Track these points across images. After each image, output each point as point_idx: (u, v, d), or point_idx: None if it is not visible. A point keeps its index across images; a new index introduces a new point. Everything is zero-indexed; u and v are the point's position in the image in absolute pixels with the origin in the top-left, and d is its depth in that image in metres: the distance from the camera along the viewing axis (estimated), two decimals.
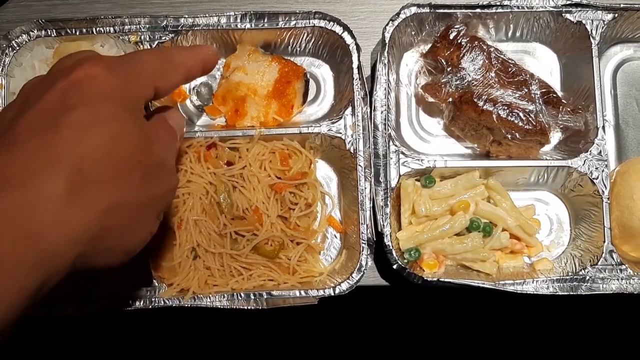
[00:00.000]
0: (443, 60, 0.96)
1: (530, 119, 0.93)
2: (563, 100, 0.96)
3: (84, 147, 0.46)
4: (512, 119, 0.93)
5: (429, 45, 1.00)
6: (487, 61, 0.96)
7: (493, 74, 0.95)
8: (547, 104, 0.94)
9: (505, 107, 0.93)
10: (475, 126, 0.96)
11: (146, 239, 0.55)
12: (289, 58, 1.02)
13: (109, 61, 0.52)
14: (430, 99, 1.00)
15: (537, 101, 0.94)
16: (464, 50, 0.96)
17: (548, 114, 0.94)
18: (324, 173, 1.01)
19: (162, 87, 0.58)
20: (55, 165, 0.44)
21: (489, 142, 0.97)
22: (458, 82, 0.95)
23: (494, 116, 0.93)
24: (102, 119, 0.47)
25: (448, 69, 0.95)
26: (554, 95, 0.96)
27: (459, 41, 0.96)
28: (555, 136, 1.01)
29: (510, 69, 0.96)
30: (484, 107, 0.93)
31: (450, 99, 0.97)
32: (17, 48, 0.96)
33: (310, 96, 1.03)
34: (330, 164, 1.01)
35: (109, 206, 0.47)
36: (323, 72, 1.04)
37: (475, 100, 0.94)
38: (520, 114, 0.93)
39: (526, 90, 0.95)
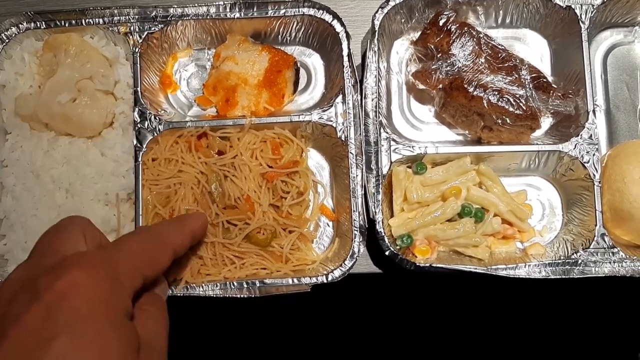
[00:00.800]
0: (433, 47, 0.96)
1: (520, 104, 0.93)
2: (553, 85, 0.96)
3: None
4: (502, 105, 0.93)
5: (419, 33, 1.00)
6: (477, 47, 0.96)
7: (483, 60, 0.95)
8: (537, 89, 0.94)
9: (496, 93, 0.93)
10: (466, 112, 0.96)
11: None
12: (279, 47, 1.02)
13: (93, 262, 0.49)
14: (421, 86, 1.00)
15: (527, 86, 0.94)
16: (454, 37, 0.96)
17: (538, 99, 0.94)
18: (316, 162, 1.01)
19: (151, 276, 0.58)
20: None
21: (480, 128, 0.97)
22: (448, 68, 0.95)
23: (485, 102, 0.93)
24: (88, 347, 0.44)
25: (438, 56, 0.95)
26: (544, 80, 0.96)
27: (449, 27, 0.96)
28: (546, 121, 1.01)
29: (500, 55, 0.96)
30: (474, 93, 0.93)
31: (441, 86, 0.97)
32: (7, 41, 0.96)
33: (301, 85, 1.03)
34: (322, 152, 1.01)
35: None
36: (314, 60, 1.04)
37: (466, 86, 0.94)
38: (511, 99, 0.93)
39: (516, 75, 0.95)
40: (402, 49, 1.04)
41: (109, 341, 0.46)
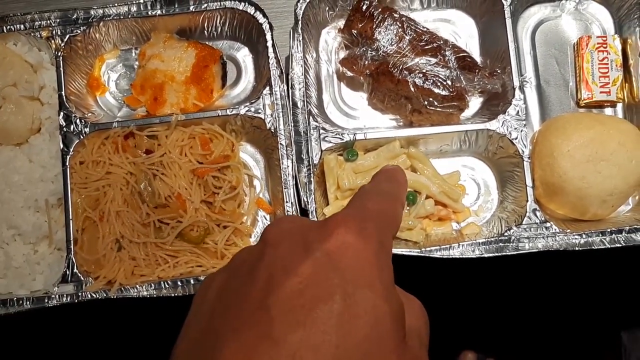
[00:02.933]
0: (357, 33, 0.96)
1: (446, 84, 0.93)
2: (479, 64, 0.96)
3: (342, 350, 0.39)
4: (428, 87, 0.93)
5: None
6: (400, 31, 0.95)
7: (407, 44, 0.95)
8: (462, 69, 0.94)
9: (421, 75, 0.93)
10: (394, 97, 0.96)
11: None
12: (207, 43, 1.01)
13: (361, 224, 0.45)
14: (350, 74, 0.99)
15: (452, 67, 0.94)
16: (377, 22, 0.95)
17: (464, 79, 0.94)
18: (251, 155, 1.01)
19: (394, 236, 0.53)
20: None
21: (409, 112, 0.97)
22: (373, 53, 0.94)
23: (410, 85, 0.93)
24: (360, 316, 0.40)
25: (363, 42, 0.95)
26: (469, 59, 0.96)
27: (372, 13, 0.96)
28: (477, 101, 1.01)
29: (423, 37, 0.96)
30: (400, 76, 0.93)
31: (368, 72, 0.96)
32: None
33: (231, 79, 1.03)
34: (255, 145, 1.01)
35: None
36: (242, 54, 1.04)
37: (391, 70, 0.94)
38: (436, 81, 0.93)
39: (441, 57, 0.95)
40: (330, 37, 1.04)
41: (382, 315, 0.42)
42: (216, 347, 0.37)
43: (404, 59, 0.94)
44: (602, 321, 2.01)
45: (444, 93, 0.93)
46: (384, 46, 0.95)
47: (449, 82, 0.93)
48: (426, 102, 0.93)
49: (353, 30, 0.96)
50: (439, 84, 0.93)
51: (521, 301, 1.79)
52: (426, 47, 0.95)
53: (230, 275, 0.43)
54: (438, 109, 0.94)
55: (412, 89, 0.93)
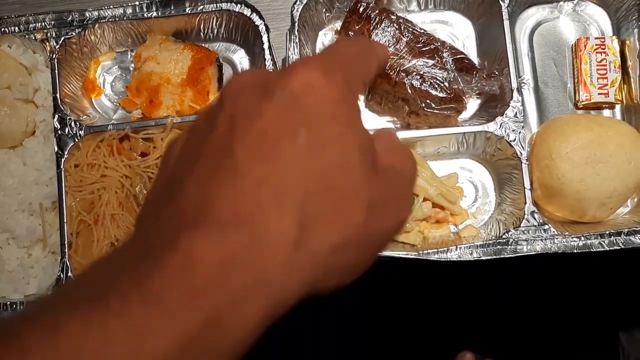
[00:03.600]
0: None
1: (443, 86, 0.93)
2: (477, 66, 0.96)
3: (308, 179, 0.38)
4: (425, 89, 0.92)
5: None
6: (397, 32, 0.95)
7: (404, 45, 0.94)
8: (460, 71, 0.94)
9: (418, 77, 0.93)
10: (391, 99, 0.96)
11: (361, 273, 0.47)
12: (203, 45, 1.01)
13: (323, 64, 0.43)
14: None
15: (449, 69, 0.94)
16: (374, 23, 0.95)
17: (462, 80, 0.93)
18: None
19: (365, 84, 0.51)
20: (282, 201, 0.37)
21: (407, 114, 0.96)
22: None
23: (408, 87, 0.92)
24: (326, 146, 0.40)
25: None
26: (467, 61, 0.95)
27: (369, 14, 0.95)
28: (475, 103, 1.01)
29: (421, 39, 0.95)
30: (397, 78, 0.93)
31: None
32: None
33: (227, 81, 1.02)
34: None
35: (333, 247, 0.40)
36: (239, 56, 1.03)
37: (388, 72, 0.93)
38: (434, 83, 0.92)
39: (438, 58, 0.94)
40: (327, 39, 1.03)
41: (349, 145, 0.41)
42: (178, 187, 0.36)
43: (401, 60, 0.93)
44: (600, 322, 2.01)
45: (441, 95, 0.92)
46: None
47: (447, 84, 0.93)
48: (423, 104, 0.93)
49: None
50: (436, 85, 0.92)
51: (519, 302, 1.79)
52: (423, 49, 0.94)
53: (192, 133, 0.41)
54: (435, 111, 0.94)
55: (410, 91, 0.92)
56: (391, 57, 0.93)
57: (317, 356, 1.60)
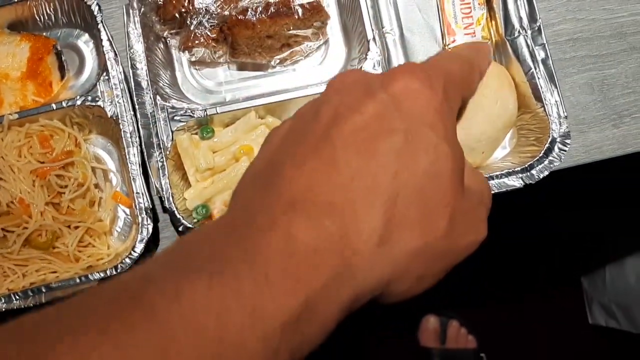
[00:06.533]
0: (177, 14, 0.89)
1: (292, 5, 0.87)
2: None
3: (400, 180, 0.40)
4: (283, 12, 0.87)
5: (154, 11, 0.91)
6: None
7: None
8: None
9: (265, 8, 0.87)
10: (257, 41, 0.89)
11: (430, 286, 0.47)
12: (43, 34, 0.94)
13: (426, 74, 0.44)
14: (199, 54, 0.92)
15: None
16: None
17: None
18: (104, 148, 0.94)
19: (466, 99, 0.53)
20: (372, 198, 0.38)
21: (279, 48, 0.91)
22: (206, 18, 0.88)
23: (267, 22, 0.87)
24: (420, 151, 0.41)
25: (190, 16, 0.88)
26: None
27: None
28: (341, 57, 0.96)
29: None
30: (252, 19, 0.87)
31: (214, 36, 0.90)
32: None
33: (74, 69, 0.95)
34: (106, 137, 0.94)
35: (414, 250, 0.41)
36: (83, 40, 0.97)
37: (240, 18, 0.87)
38: (280, 7, 0.87)
39: None
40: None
41: (444, 155, 0.42)
42: (278, 170, 0.39)
43: (239, 4, 0.87)
44: (563, 268, 2.00)
45: (298, 14, 0.87)
46: (211, 6, 0.88)
47: (296, 3, 0.88)
48: (290, 30, 0.87)
49: (174, 12, 0.89)
50: (285, 8, 0.87)
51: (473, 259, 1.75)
52: None
53: (295, 120, 0.44)
54: (306, 31, 0.89)
55: (271, 24, 0.87)
56: (227, 7, 0.87)
57: None
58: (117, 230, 0.92)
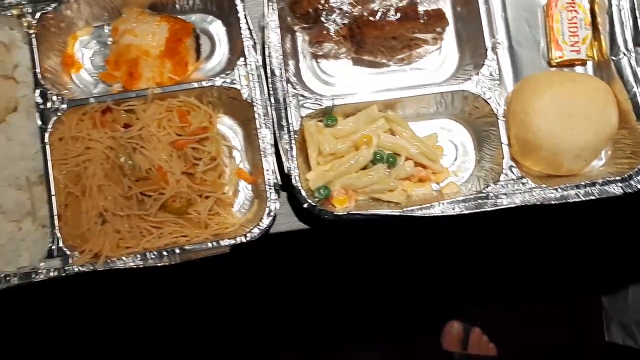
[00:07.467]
0: (312, 10, 0.96)
1: (418, 12, 0.95)
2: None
3: None
4: (409, 18, 0.95)
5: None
6: None
7: None
8: None
9: (394, 11, 0.95)
10: (382, 42, 0.97)
11: None
12: (179, 17, 1.01)
13: None
14: (326, 49, 1.00)
15: None
16: None
17: None
18: (229, 127, 1.02)
19: None
20: None
21: (400, 49, 0.99)
22: (339, 17, 0.95)
23: (394, 24, 0.95)
24: None
25: (324, 14, 0.95)
26: None
27: None
28: (452, 64, 1.03)
29: None
30: (382, 21, 0.95)
31: (342, 34, 0.97)
32: None
33: (205, 52, 1.03)
34: (233, 117, 1.01)
35: None
36: (216, 27, 1.04)
37: (371, 19, 0.95)
38: (408, 12, 0.95)
39: None
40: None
41: None
42: None
43: (370, 5, 0.95)
44: (584, 286, 2.06)
45: (423, 20, 0.96)
46: (343, 5, 0.95)
47: (421, 10, 0.96)
48: (415, 34, 0.95)
49: (308, 9, 0.96)
50: (413, 14, 0.95)
51: (503, 264, 1.82)
52: None
53: None
54: (427, 35, 0.97)
55: (398, 27, 0.95)
56: (360, 7, 0.95)
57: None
58: (238, 203, 0.99)
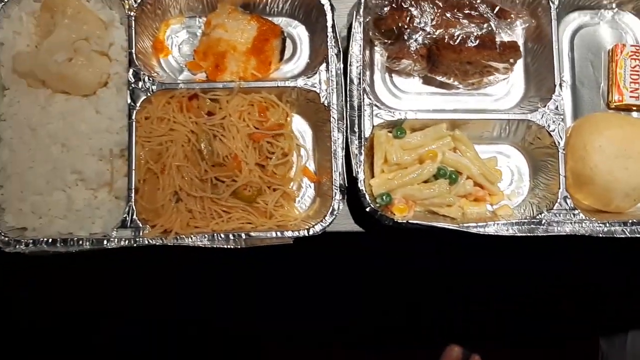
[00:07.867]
0: (395, 27, 1.02)
1: (496, 42, 1.01)
2: (511, 12, 1.05)
3: None
4: (486, 46, 1.01)
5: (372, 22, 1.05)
6: (434, 8, 1.02)
7: (447, 15, 1.02)
8: (499, 17, 1.03)
9: (474, 39, 1.01)
10: (457, 65, 1.03)
11: None
12: (267, 18, 1.07)
13: None
14: (402, 65, 1.05)
15: (492, 18, 1.02)
16: (408, 7, 1.02)
17: (504, 25, 1.03)
18: (300, 127, 1.07)
19: None
20: None
21: (472, 74, 1.04)
22: (421, 37, 1.01)
23: (472, 50, 1.00)
24: None
25: (407, 31, 1.01)
26: (500, 7, 1.04)
27: (399, 3, 1.02)
28: (517, 94, 1.09)
29: (453, 3, 1.03)
30: (460, 46, 1.00)
31: (421, 53, 1.03)
32: (5, 0, 1.00)
33: (287, 55, 1.09)
34: (305, 118, 1.07)
35: None
36: (299, 32, 1.10)
37: (450, 42, 1.01)
38: (486, 39, 1.01)
39: (478, 14, 1.03)
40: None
41: None
42: None
43: (451, 30, 1.01)
44: (582, 328, 2.09)
45: (499, 50, 1.01)
46: (427, 25, 1.01)
47: (498, 41, 1.02)
48: (488, 62, 1.01)
49: (392, 26, 1.02)
50: (491, 42, 1.01)
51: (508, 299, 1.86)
52: (462, 12, 1.02)
53: None
54: (499, 64, 1.02)
55: (475, 52, 1.00)
56: (441, 30, 1.01)
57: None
58: (298, 199, 1.04)
